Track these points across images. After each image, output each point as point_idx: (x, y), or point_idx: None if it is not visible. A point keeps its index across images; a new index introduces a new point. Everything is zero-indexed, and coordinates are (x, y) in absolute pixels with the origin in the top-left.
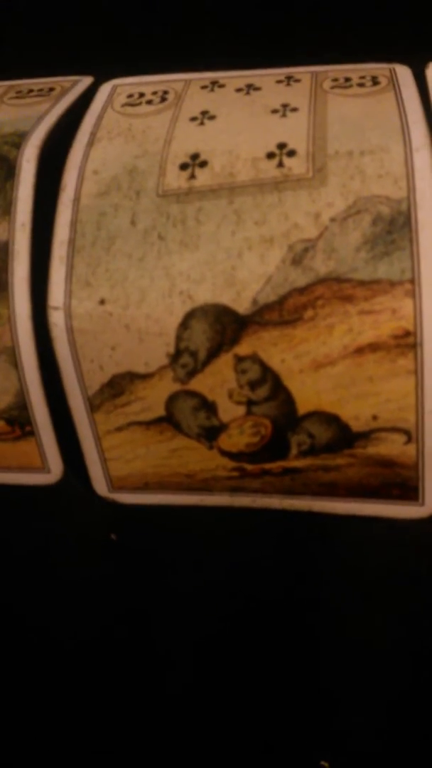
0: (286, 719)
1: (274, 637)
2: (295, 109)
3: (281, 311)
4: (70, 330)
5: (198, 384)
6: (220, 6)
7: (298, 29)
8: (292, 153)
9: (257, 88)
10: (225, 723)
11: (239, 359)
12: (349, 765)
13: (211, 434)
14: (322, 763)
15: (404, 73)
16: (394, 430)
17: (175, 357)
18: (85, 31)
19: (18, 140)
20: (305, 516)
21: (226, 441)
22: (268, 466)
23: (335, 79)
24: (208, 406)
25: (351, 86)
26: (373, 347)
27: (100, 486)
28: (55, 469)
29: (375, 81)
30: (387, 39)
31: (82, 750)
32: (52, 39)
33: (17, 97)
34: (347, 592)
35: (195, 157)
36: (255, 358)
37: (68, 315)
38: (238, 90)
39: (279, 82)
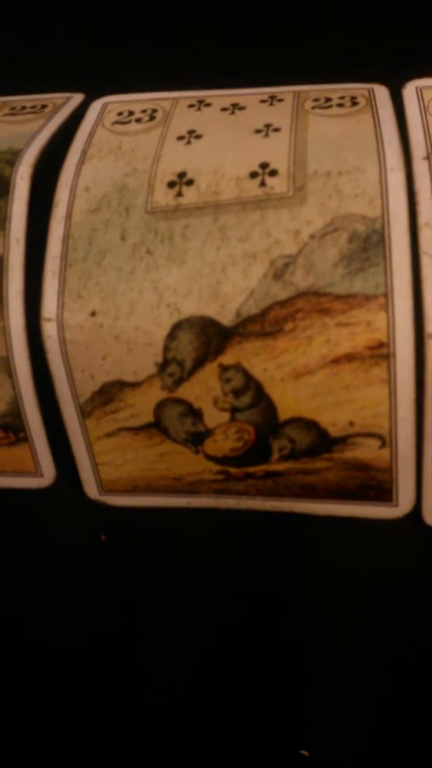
0: (269, 712)
1: (259, 633)
2: (277, 129)
3: (263, 323)
4: (62, 341)
5: (185, 392)
6: (208, 22)
7: (282, 49)
8: (273, 173)
9: (242, 108)
10: (211, 718)
11: (224, 368)
12: (329, 754)
13: (197, 439)
14: (302, 752)
15: (382, 94)
16: (369, 435)
17: (163, 366)
18: (75, 47)
19: (12, 158)
20: (288, 517)
21: (211, 446)
22: (251, 469)
23: (316, 99)
24: (194, 413)
25: (331, 106)
26: (349, 357)
27: (91, 489)
28: (47, 474)
29: (354, 101)
30: (367, 58)
31: (73, 747)
32: (44, 54)
33: (11, 114)
34: (328, 588)
35: (182, 175)
36: (239, 368)
37: (61, 326)
38: (224, 109)
39: (263, 101)
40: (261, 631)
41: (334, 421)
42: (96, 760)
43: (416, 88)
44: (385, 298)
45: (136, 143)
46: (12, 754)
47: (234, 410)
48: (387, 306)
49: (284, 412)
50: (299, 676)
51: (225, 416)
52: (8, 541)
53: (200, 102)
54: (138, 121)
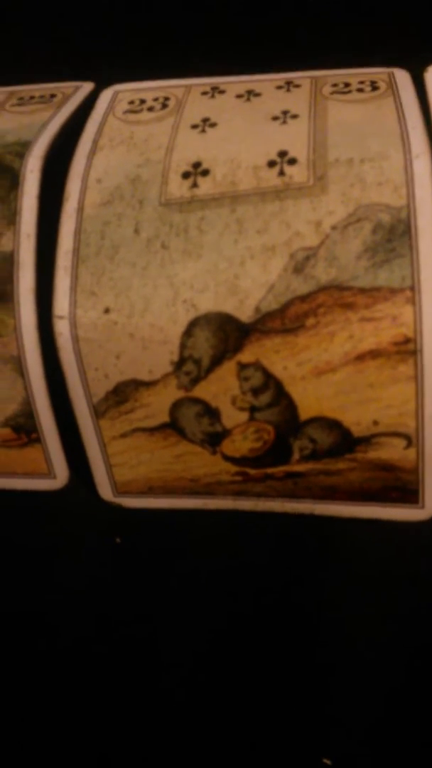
0: (289, 718)
1: (276, 637)
2: (295, 116)
3: (283, 319)
4: (75, 339)
5: (201, 391)
6: (219, 9)
7: (297, 32)
8: (293, 161)
9: (257, 94)
10: (227, 722)
11: (242, 366)
12: (349, 763)
13: (214, 440)
14: (325, 760)
15: (403, 78)
16: (395, 434)
17: (179, 364)
18: (83, 33)
19: (21, 150)
20: (307, 519)
21: (229, 446)
22: (270, 470)
23: (335, 85)
24: (211, 413)
25: (350, 92)
26: (374, 354)
27: (105, 491)
28: (60, 475)
29: (374, 86)
30: (385, 42)
31: (82, 751)
32: (52, 42)
33: (19, 104)
34: (349, 593)
35: (197, 165)
36: (258, 366)
37: (73, 324)
38: (239, 96)
39: (279, 87)
40: (279, 637)
41: (357, 421)
42: (111, 763)
43: None
44: (411, 291)
45: (148, 133)
46: (20, 756)
47: (253, 409)
48: (414, 299)
49: (305, 412)
50: (319, 680)
51: (243, 416)
52: (21, 543)
53: (214, 89)
54: (150, 109)
